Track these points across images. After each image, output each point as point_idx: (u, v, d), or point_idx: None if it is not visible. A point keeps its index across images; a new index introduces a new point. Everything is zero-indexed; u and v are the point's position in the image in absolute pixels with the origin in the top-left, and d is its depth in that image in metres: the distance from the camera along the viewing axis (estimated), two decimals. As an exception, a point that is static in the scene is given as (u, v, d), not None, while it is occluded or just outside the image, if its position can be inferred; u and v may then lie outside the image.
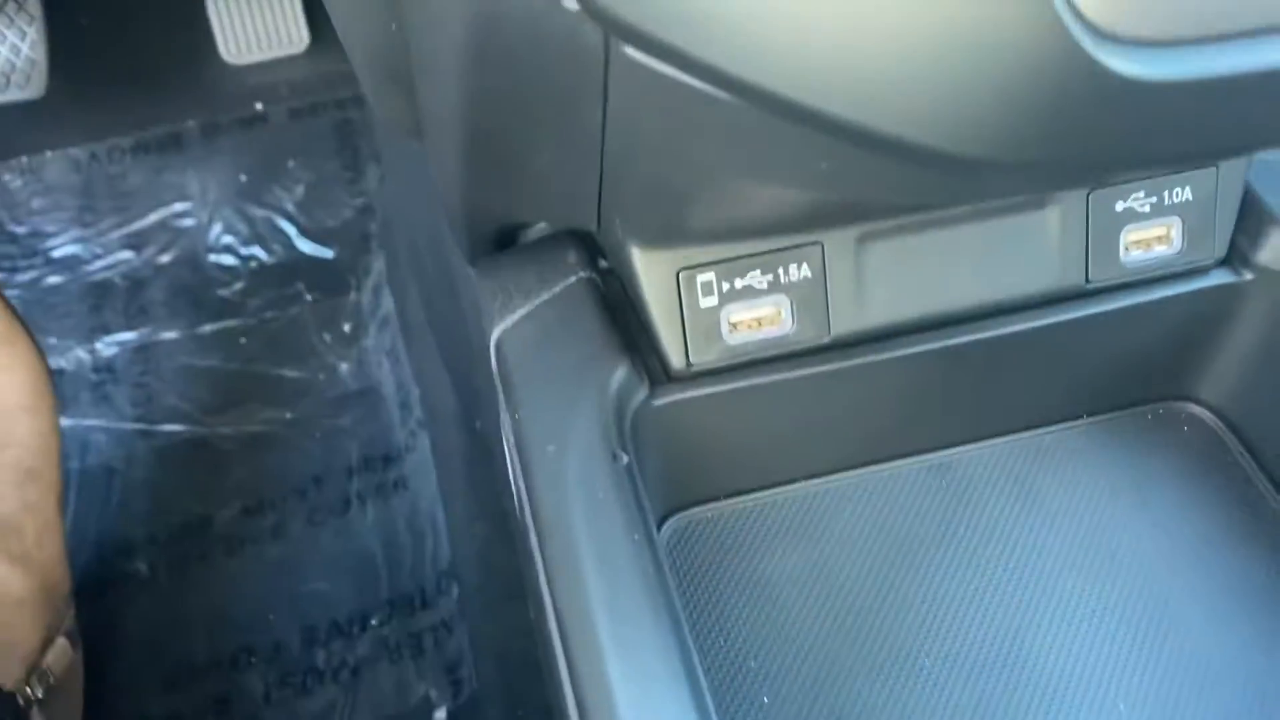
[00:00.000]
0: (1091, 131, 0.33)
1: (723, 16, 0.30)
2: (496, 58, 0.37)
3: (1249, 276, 0.54)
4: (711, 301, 0.49)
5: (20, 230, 1.20)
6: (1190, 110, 0.32)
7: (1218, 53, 0.30)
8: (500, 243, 0.53)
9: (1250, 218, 0.54)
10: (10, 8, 1.25)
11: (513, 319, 0.49)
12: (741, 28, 0.30)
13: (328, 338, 1.13)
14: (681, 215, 0.46)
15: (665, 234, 0.48)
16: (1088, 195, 0.51)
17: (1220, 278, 0.54)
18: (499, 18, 0.34)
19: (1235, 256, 0.55)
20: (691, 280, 0.49)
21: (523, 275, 0.51)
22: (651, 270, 0.48)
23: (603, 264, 0.52)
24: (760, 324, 0.50)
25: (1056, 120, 0.32)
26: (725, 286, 0.49)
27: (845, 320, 0.50)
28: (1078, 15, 0.29)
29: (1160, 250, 0.53)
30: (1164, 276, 0.54)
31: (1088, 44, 0.29)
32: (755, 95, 0.32)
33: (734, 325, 0.50)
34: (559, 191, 0.47)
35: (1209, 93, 0.31)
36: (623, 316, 0.50)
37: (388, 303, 1.14)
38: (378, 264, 1.17)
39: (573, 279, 0.50)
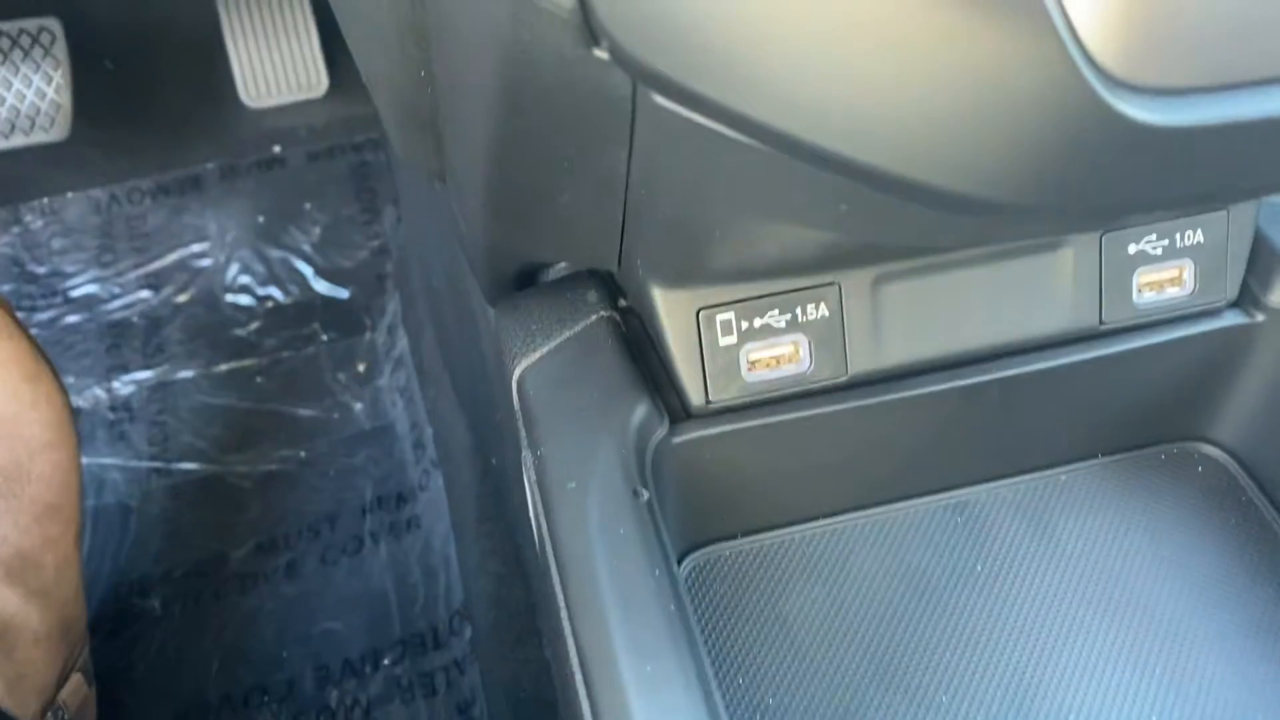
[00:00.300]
0: (1106, 176, 0.34)
1: (750, 66, 0.31)
2: (526, 104, 0.38)
3: (1260, 318, 0.55)
4: (730, 340, 0.50)
5: (40, 270, 1.21)
6: (1203, 155, 0.33)
7: (1230, 100, 0.31)
8: (520, 282, 0.54)
9: (1261, 260, 0.55)
10: (37, 52, 1.27)
11: (534, 357, 0.50)
12: (768, 77, 0.31)
13: (342, 377, 1.13)
14: (702, 256, 0.47)
15: (686, 274, 0.48)
16: (1100, 238, 0.52)
17: (1232, 319, 0.55)
18: (530, 65, 0.35)
19: (1247, 298, 0.55)
20: (711, 319, 0.49)
21: (544, 314, 0.51)
22: (672, 309, 0.49)
23: (623, 303, 0.53)
24: (779, 362, 0.50)
25: (1071, 165, 0.33)
26: (744, 325, 0.50)
27: (862, 359, 0.51)
28: (1092, 63, 0.30)
29: (1172, 292, 0.54)
30: (1176, 318, 0.55)
31: (1102, 91, 0.30)
32: (780, 140, 0.33)
33: (753, 363, 0.50)
34: (582, 232, 0.47)
35: (1221, 139, 0.32)
36: (643, 355, 0.51)
37: (402, 343, 1.15)
38: (392, 304, 1.18)
39: (593, 318, 0.51)
